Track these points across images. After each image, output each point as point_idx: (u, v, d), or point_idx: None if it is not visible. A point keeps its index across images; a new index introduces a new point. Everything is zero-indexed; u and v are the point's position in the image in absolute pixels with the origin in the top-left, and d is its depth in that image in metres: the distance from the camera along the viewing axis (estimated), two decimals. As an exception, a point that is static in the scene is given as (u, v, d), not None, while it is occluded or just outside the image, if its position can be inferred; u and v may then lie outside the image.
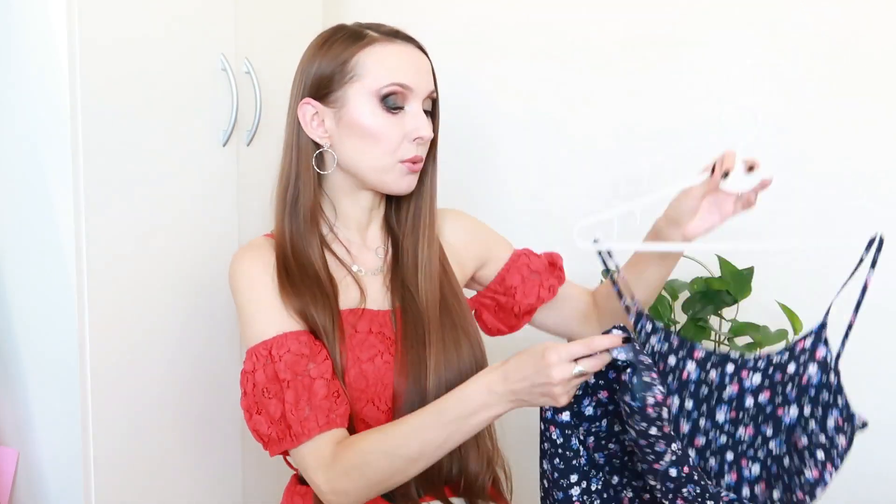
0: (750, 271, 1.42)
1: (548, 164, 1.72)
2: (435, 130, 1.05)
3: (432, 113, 1.04)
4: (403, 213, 1.08)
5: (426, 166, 1.06)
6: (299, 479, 1.06)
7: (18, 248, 1.20)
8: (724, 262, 1.44)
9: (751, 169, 0.96)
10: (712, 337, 1.45)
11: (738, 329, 1.41)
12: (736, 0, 1.56)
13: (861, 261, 0.89)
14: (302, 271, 0.99)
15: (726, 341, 1.42)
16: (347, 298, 1.02)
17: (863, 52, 1.50)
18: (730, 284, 1.40)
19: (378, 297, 1.04)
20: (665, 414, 0.82)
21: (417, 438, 0.89)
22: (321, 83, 1.00)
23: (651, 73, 1.63)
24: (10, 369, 1.23)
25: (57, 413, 1.18)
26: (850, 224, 1.54)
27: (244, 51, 1.41)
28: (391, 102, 0.98)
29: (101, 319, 1.17)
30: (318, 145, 1.01)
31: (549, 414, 0.92)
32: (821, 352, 0.89)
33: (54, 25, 1.11)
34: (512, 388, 0.85)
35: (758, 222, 1.58)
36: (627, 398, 0.82)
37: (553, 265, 1.19)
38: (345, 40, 1.00)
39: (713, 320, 1.49)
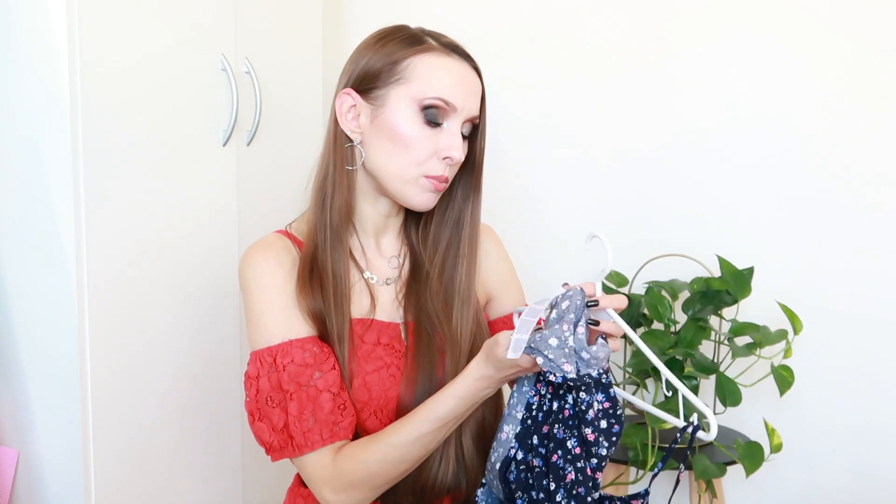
0: (750, 271, 1.42)
1: (549, 169, 1.72)
2: (479, 157, 1.01)
3: (472, 137, 1.00)
4: (431, 233, 1.05)
5: (469, 193, 1.03)
6: (303, 481, 1.05)
7: (18, 248, 1.20)
8: (724, 262, 1.44)
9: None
10: (712, 337, 1.45)
11: (738, 329, 1.41)
12: (746, 6, 1.57)
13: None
14: (326, 271, 0.96)
15: (726, 341, 1.42)
16: (358, 306, 1.00)
17: (866, 52, 1.50)
18: (730, 284, 1.40)
19: (388, 309, 1.02)
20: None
21: (419, 443, 0.89)
22: (367, 77, 0.97)
23: (653, 79, 1.63)
24: (10, 369, 1.23)
25: (57, 413, 1.18)
26: (851, 224, 1.54)
27: (244, 51, 1.41)
28: (430, 115, 0.94)
29: (101, 319, 1.17)
30: (349, 139, 0.99)
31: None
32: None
33: (54, 25, 1.11)
34: (504, 374, 0.85)
35: (759, 223, 1.59)
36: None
37: None
38: (402, 41, 0.96)
39: (713, 320, 1.49)
